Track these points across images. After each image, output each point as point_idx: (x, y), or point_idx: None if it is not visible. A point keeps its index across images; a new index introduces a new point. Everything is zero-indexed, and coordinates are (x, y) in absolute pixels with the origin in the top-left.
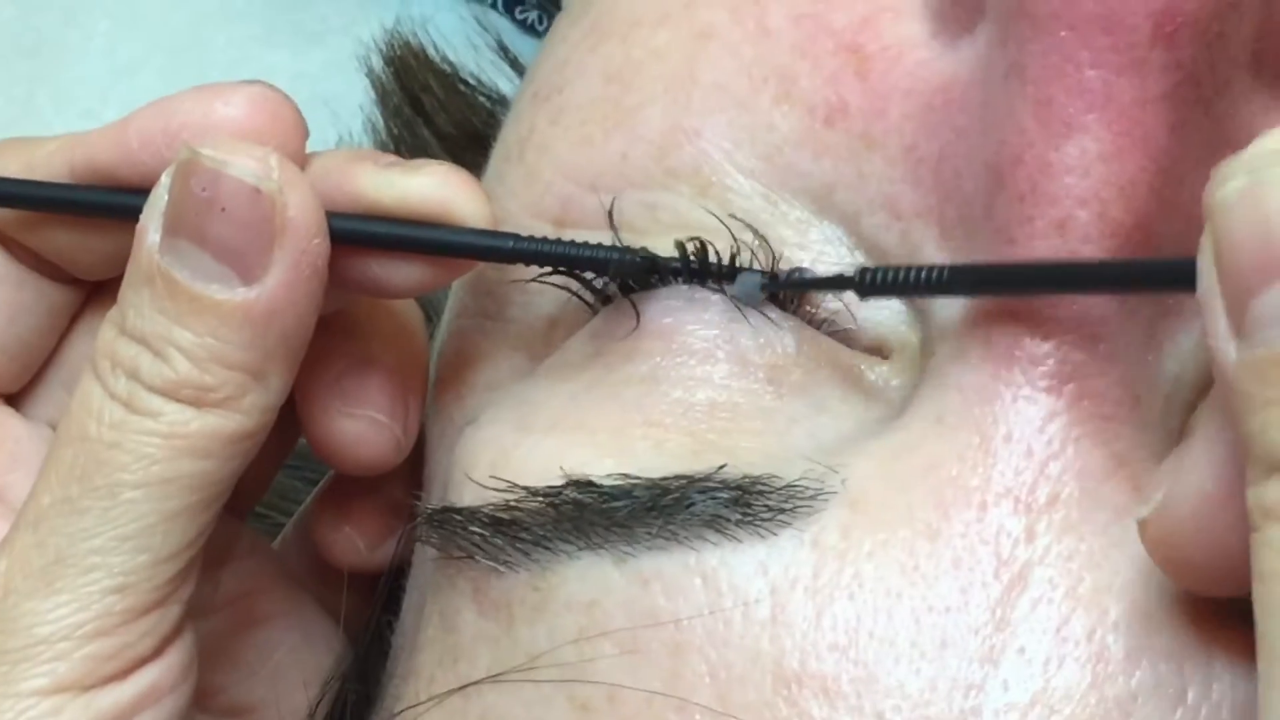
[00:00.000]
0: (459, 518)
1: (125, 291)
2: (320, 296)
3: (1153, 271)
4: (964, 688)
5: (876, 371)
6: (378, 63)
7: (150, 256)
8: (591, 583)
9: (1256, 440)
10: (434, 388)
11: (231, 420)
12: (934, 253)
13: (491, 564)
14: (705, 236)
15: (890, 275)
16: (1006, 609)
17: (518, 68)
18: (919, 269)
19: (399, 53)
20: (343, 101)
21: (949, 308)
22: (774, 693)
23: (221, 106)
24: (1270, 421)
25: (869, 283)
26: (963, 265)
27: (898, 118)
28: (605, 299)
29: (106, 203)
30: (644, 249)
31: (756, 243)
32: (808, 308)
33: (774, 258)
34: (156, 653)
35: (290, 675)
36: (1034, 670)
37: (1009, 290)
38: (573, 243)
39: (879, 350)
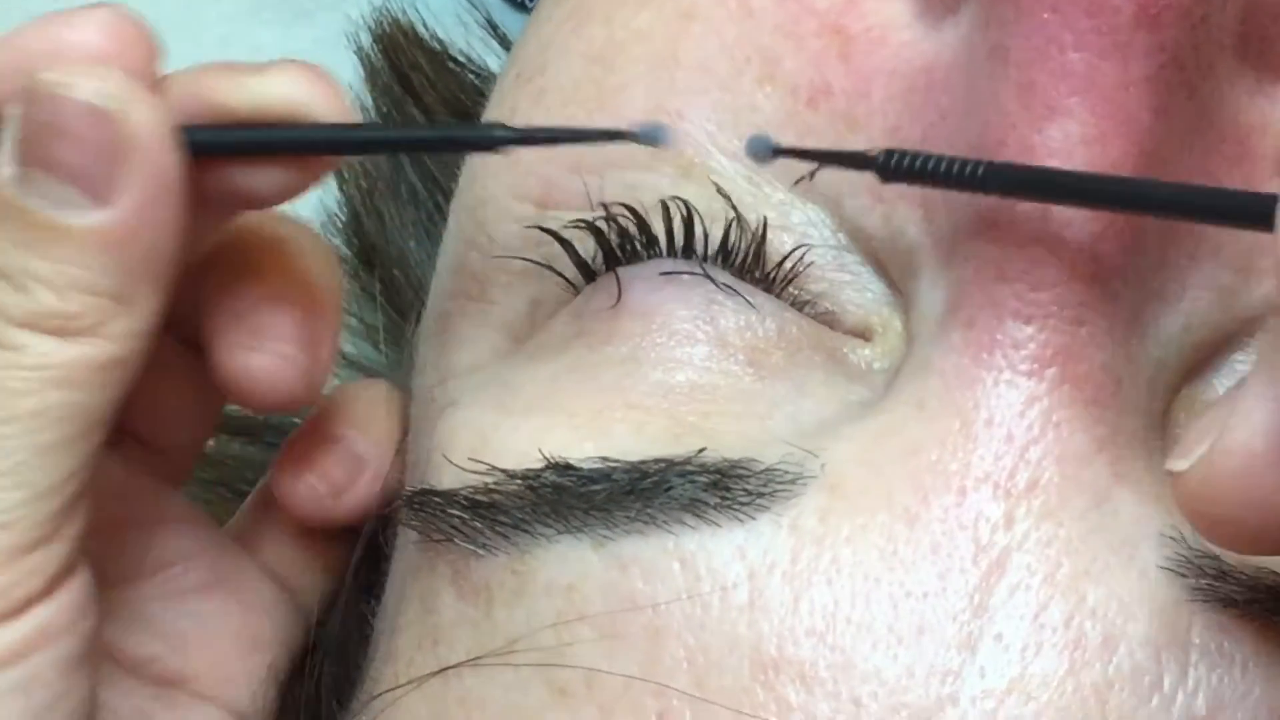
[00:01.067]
0: (438, 500)
1: None
2: (181, 214)
3: (1208, 201)
4: (941, 674)
5: (859, 354)
6: (366, 40)
7: (4, 190)
8: (570, 566)
9: None
10: (417, 371)
11: (99, 348)
12: (917, 235)
13: (471, 547)
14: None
15: (917, 161)
16: (984, 595)
17: (507, 45)
18: (949, 159)
19: (387, 30)
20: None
21: (932, 291)
22: (751, 678)
23: (69, 33)
24: None
25: (893, 166)
26: (999, 164)
27: (881, 99)
28: (589, 275)
29: None
30: (499, 124)
31: (733, 216)
32: (791, 289)
33: (756, 237)
34: (46, 592)
35: (226, 645)
36: (1011, 657)
37: (1050, 197)
38: (426, 125)
39: (862, 333)
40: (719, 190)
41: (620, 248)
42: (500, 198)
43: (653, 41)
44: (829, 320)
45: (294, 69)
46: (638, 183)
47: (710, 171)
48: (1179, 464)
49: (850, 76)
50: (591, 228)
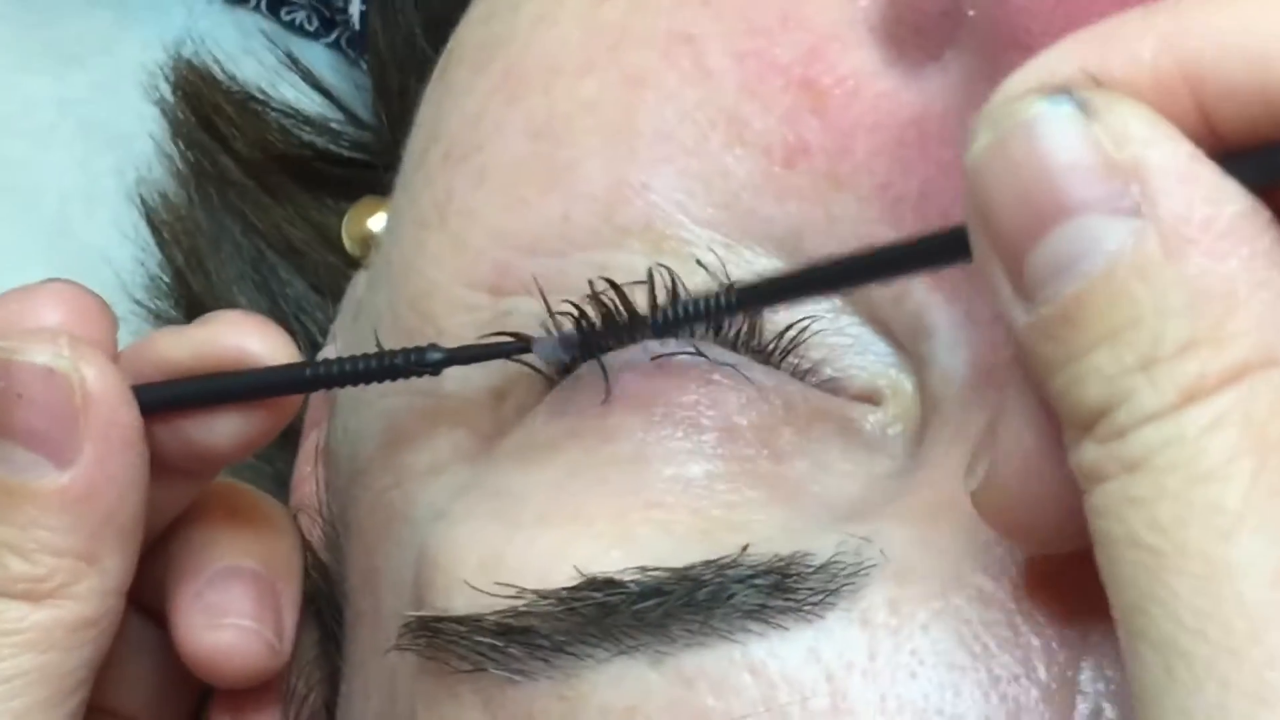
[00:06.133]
0: (460, 627)
1: None
2: (142, 471)
3: (930, 247)
4: None
5: (871, 420)
6: (166, 90)
7: None
8: (628, 687)
9: (1062, 402)
10: (361, 474)
11: (69, 609)
12: (925, 294)
13: (505, 674)
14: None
15: (685, 309)
16: (1075, 670)
17: (309, 79)
18: (709, 296)
19: (185, 75)
20: (115, 125)
21: (952, 351)
22: None
23: (28, 310)
24: (1069, 381)
25: (663, 321)
26: (747, 282)
27: (865, 154)
28: (563, 367)
29: None
30: (433, 345)
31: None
32: (791, 359)
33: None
34: None
35: None
36: None
37: (791, 296)
38: (371, 355)
39: (870, 397)
40: (698, 262)
41: (603, 333)
42: (447, 287)
43: (603, 111)
44: (833, 387)
45: (233, 315)
46: (607, 262)
47: (684, 243)
48: (970, 484)
49: (828, 133)
50: (577, 310)
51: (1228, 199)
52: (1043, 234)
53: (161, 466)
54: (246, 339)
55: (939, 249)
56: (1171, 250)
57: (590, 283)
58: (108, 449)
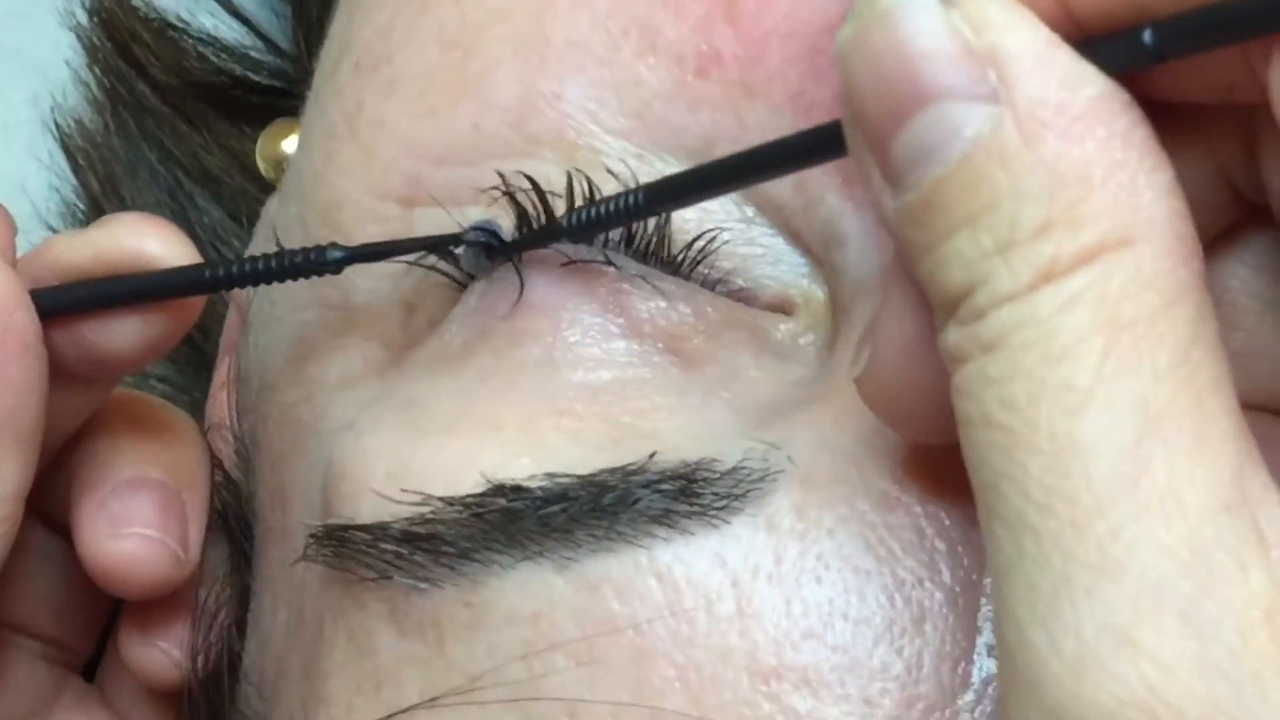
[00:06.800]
0: (364, 535)
1: None
2: (40, 377)
3: (814, 141)
4: (951, 660)
5: (783, 329)
6: (83, 16)
7: None
8: (533, 593)
9: (929, 286)
10: (270, 389)
11: None
12: (837, 202)
13: (411, 582)
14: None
15: (596, 211)
16: (981, 572)
17: (227, 6)
18: (620, 196)
19: (102, 1)
20: (30, 51)
21: (864, 259)
22: (752, 690)
23: None
24: (934, 266)
25: (577, 224)
26: (655, 182)
27: (779, 63)
28: (475, 270)
29: None
30: (333, 244)
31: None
32: (701, 269)
33: (660, 219)
34: None
35: None
36: None
37: (690, 197)
38: (270, 255)
39: (781, 307)
40: (609, 171)
41: (516, 230)
42: (358, 198)
43: (514, 20)
44: (744, 297)
45: (131, 217)
46: (519, 170)
47: (596, 152)
48: (854, 370)
49: (740, 41)
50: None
51: (1084, 83)
52: (905, 121)
53: (61, 373)
54: (145, 240)
55: (824, 141)
56: (1028, 134)
57: (503, 176)
58: (4, 353)
